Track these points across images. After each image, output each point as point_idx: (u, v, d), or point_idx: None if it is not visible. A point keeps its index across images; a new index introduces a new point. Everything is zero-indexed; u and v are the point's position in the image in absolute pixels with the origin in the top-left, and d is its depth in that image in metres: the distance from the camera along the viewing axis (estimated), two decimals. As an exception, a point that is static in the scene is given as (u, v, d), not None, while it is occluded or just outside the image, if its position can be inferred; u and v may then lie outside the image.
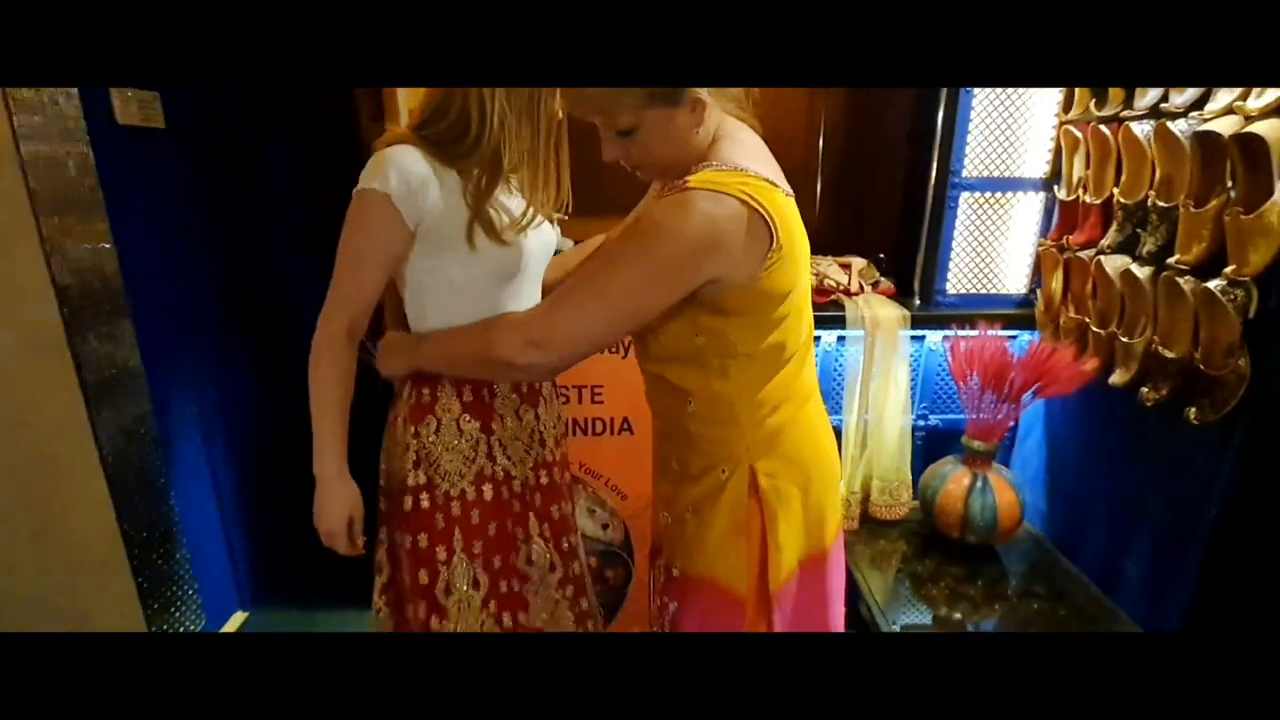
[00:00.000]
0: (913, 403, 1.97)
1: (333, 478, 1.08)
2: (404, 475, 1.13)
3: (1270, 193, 1.19)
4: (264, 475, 2.17)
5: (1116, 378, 1.52)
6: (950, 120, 1.76)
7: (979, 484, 1.68)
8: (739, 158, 0.91)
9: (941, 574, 1.72)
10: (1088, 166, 1.62)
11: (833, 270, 1.97)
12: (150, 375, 1.73)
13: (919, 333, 1.90)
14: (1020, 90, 1.71)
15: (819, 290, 1.94)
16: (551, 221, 1.21)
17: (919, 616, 1.60)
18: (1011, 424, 1.93)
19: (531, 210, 1.10)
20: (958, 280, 1.89)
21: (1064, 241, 1.68)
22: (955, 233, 1.84)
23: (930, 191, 1.85)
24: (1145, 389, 1.44)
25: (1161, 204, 1.40)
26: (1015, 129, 1.77)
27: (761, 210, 0.86)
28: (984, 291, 1.90)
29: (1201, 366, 1.32)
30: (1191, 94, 1.34)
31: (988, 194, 1.82)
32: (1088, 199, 1.61)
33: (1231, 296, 1.26)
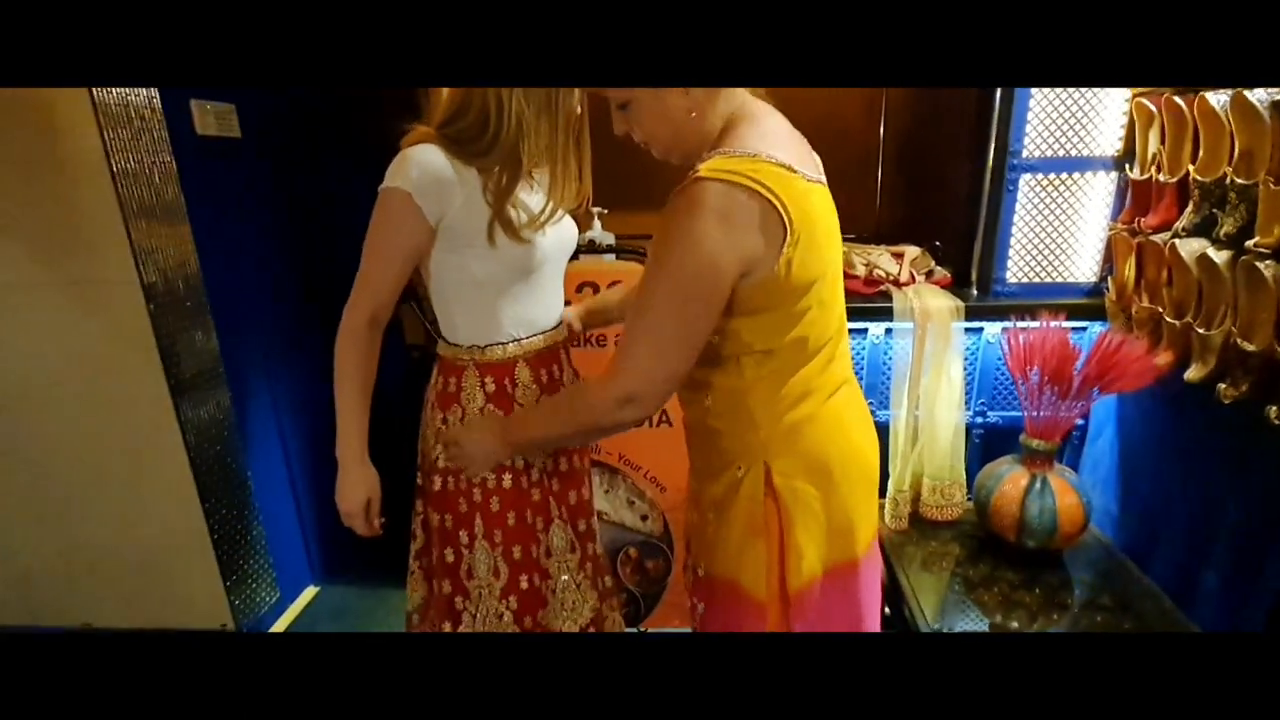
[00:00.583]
0: (969, 398, 1.88)
1: (354, 462, 1.15)
2: (433, 457, 1.19)
3: (1365, 165, 1.06)
4: (334, 460, 2.30)
5: (1192, 373, 1.39)
6: (1008, 98, 1.66)
7: (1037, 485, 1.58)
8: (754, 142, 0.87)
9: (995, 579, 1.62)
10: (1162, 142, 1.48)
11: (884, 260, 1.89)
12: (229, 367, 1.89)
13: (976, 324, 1.80)
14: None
15: (868, 281, 1.87)
16: (575, 217, 1.23)
17: (968, 624, 1.53)
18: (1078, 422, 1.81)
19: (551, 207, 1.13)
20: (1019, 268, 1.78)
21: (1136, 224, 1.55)
22: (1015, 217, 1.73)
23: (987, 174, 1.75)
24: (1223, 385, 1.32)
25: (1240, 181, 1.27)
26: (1083, 105, 1.64)
27: (772, 197, 0.83)
28: (1049, 280, 1.78)
29: (1286, 360, 1.19)
30: (1275, 58, 1.21)
31: (1052, 175, 1.70)
32: (1162, 178, 1.48)
33: (1319, 282, 1.13)
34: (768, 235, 0.84)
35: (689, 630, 1.80)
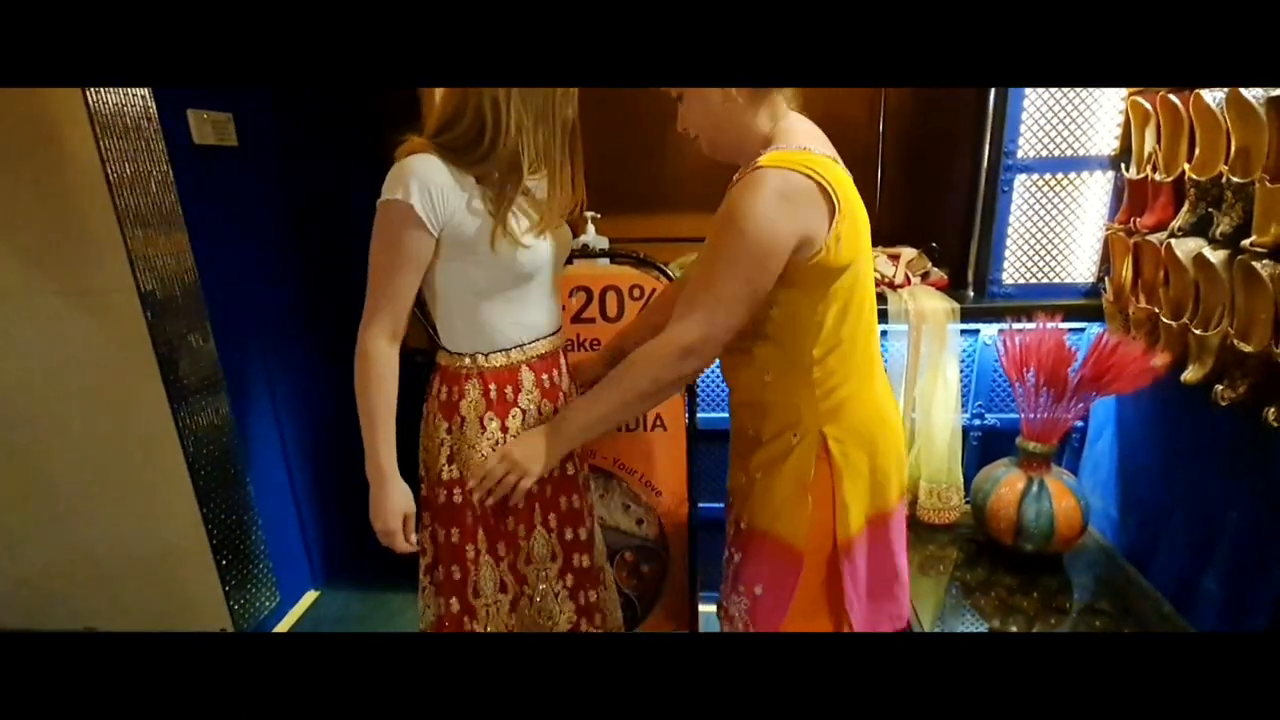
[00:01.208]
0: (966, 400, 1.86)
1: (387, 479, 1.12)
2: (439, 469, 1.18)
3: (1361, 163, 1.05)
4: (335, 465, 2.32)
5: (1189, 374, 1.37)
6: (1002, 98, 1.65)
7: (1034, 488, 1.56)
8: (802, 140, 1.02)
9: (993, 583, 1.61)
10: (1158, 141, 1.47)
11: (880, 262, 1.88)
12: (229, 373, 1.90)
13: (972, 326, 1.79)
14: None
15: (864, 283, 1.86)
16: (570, 221, 1.23)
17: (966, 628, 1.52)
18: (1074, 424, 1.80)
19: (549, 213, 1.13)
20: (1015, 269, 1.76)
21: (1132, 224, 1.53)
22: (1011, 218, 1.72)
23: (983, 175, 1.74)
24: (1220, 387, 1.30)
25: (1237, 179, 1.25)
26: (1078, 104, 1.63)
27: (823, 181, 0.95)
28: (1045, 281, 1.76)
29: (1283, 361, 1.17)
30: (1269, 55, 1.19)
31: (1047, 175, 1.68)
32: (1158, 177, 1.46)
33: (1315, 282, 1.12)
34: (820, 213, 0.97)
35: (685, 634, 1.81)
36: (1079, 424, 1.86)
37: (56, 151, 1.59)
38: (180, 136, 1.76)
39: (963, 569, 1.69)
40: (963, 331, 1.78)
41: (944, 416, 1.75)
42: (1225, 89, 1.25)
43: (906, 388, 1.76)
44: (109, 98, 1.59)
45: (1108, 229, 1.66)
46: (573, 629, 1.27)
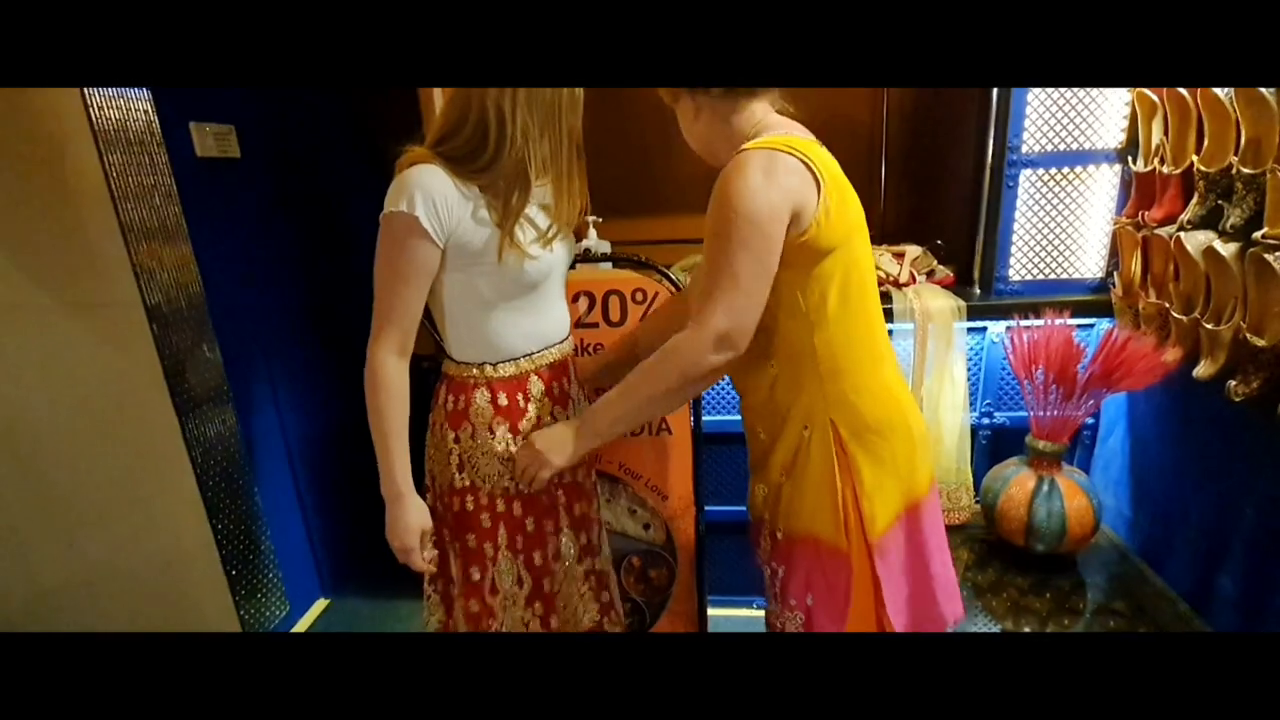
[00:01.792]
0: (975, 399, 1.84)
1: (403, 495, 1.10)
2: (449, 479, 1.17)
3: (1375, 152, 1.02)
4: (342, 473, 2.33)
5: (1202, 369, 1.35)
6: (1006, 93, 1.62)
7: (1045, 487, 1.54)
8: (784, 130, 1.03)
9: (1004, 584, 1.59)
10: (1166, 133, 1.44)
11: (884, 260, 1.86)
12: (235, 383, 1.90)
13: (979, 324, 1.76)
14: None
15: (868, 282, 1.84)
16: (575, 228, 1.23)
17: (976, 629, 1.49)
18: (1085, 422, 1.77)
19: (556, 222, 1.12)
20: (1022, 266, 1.74)
21: (1141, 218, 1.51)
22: (1017, 214, 1.69)
23: (987, 171, 1.71)
24: (1233, 382, 1.27)
25: (1247, 171, 1.23)
26: (1083, 98, 1.60)
27: (803, 157, 0.96)
28: (1052, 277, 1.74)
29: (1298, 356, 1.15)
30: (1277, 43, 1.17)
31: (1053, 170, 1.66)
32: (1166, 169, 1.43)
33: (1330, 274, 1.09)
34: (806, 187, 0.97)
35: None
36: (1090, 421, 1.83)
37: (61, 166, 1.59)
38: (183, 149, 1.77)
39: (974, 570, 1.67)
40: (969, 329, 1.76)
41: (952, 416, 1.73)
42: (1233, 79, 1.23)
43: (914, 387, 1.74)
44: (112, 112, 1.60)
45: (1115, 223, 1.63)
46: (595, 628, 1.28)
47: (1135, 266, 1.55)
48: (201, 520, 1.82)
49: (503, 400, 1.14)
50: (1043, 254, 1.73)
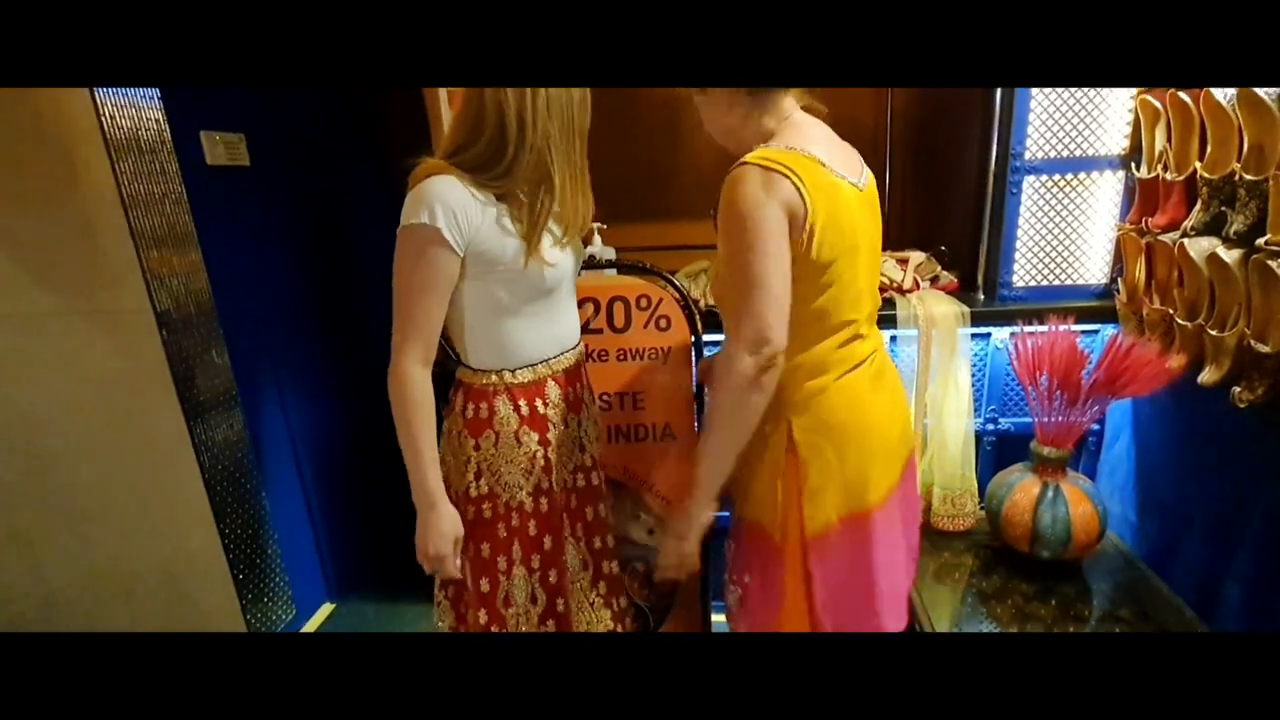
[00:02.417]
0: (979, 405, 1.84)
1: (437, 504, 1.11)
2: (465, 486, 1.18)
3: (1378, 157, 1.02)
4: (349, 479, 2.34)
5: (1206, 376, 1.34)
6: (1009, 99, 1.63)
7: (1050, 493, 1.53)
8: (794, 140, 1.05)
9: (1009, 591, 1.58)
10: (1169, 140, 1.45)
11: (888, 266, 1.87)
12: (243, 389, 1.92)
13: (983, 330, 1.76)
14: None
15: (872, 288, 1.85)
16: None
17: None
18: (1090, 428, 1.77)
19: (571, 225, 1.13)
20: (1026, 272, 1.74)
21: (1144, 224, 1.50)
22: (1020, 220, 1.70)
23: (990, 177, 1.72)
24: (1238, 389, 1.27)
25: (1250, 177, 1.23)
26: (1086, 104, 1.61)
27: (795, 180, 0.99)
28: (1057, 283, 1.74)
29: (1302, 362, 1.14)
30: (1279, 50, 1.17)
31: (1056, 176, 1.66)
32: (1169, 176, 1.43)
33: (1334, 280, 1.09)
34: (793, 209, 1.00)
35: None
36: (1095, 427, 1.83)
37: (72, 174, 1.62)
38: (193, 157, 1.80)
39: (978, 576, 1.66)
40: (973, 335, 1.76)
41: (956, 422, 1.72)
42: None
43: (918, 393, 1.74)
44: (124, 121, 1.63)
45: (1119, 229, 1.63)
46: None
47: (1139, 273, 1.55)
48: (209, 524, 1.84)
49: (524, 407, 1.15)
50: (1047, 260, 1.73)
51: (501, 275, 1.08)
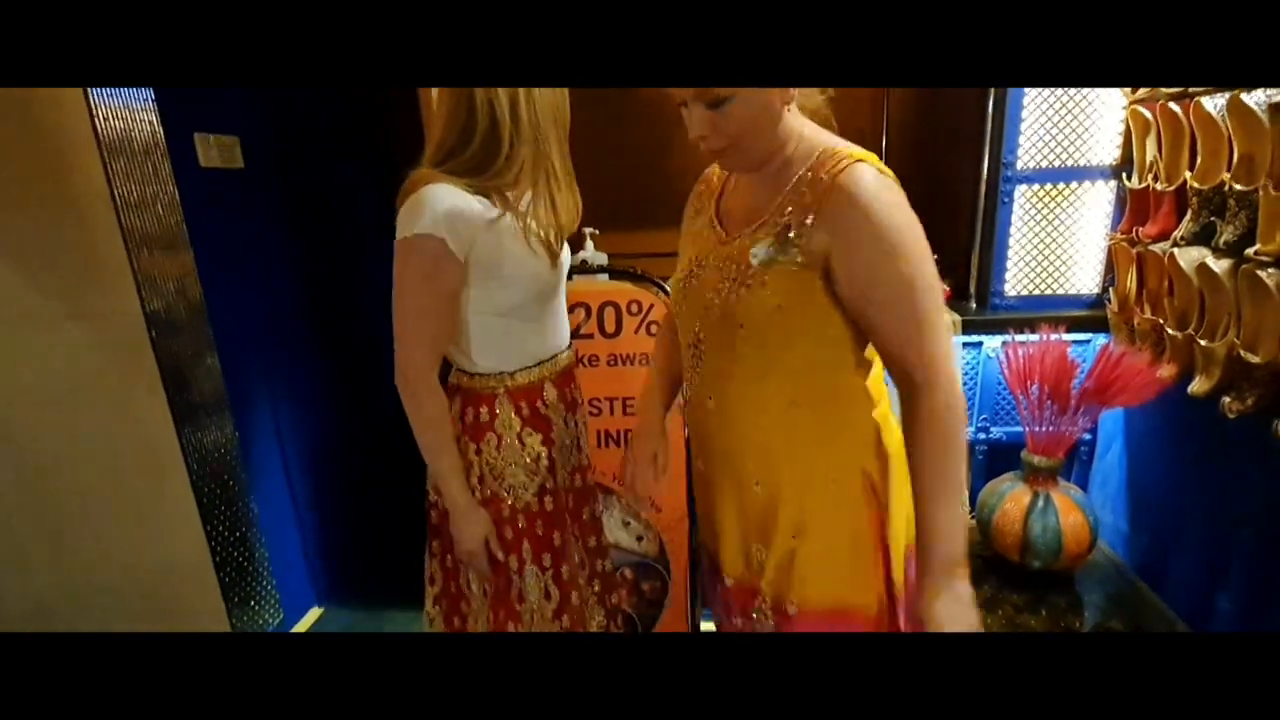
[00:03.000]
0: (971, 414, 1.83)
1: (465, 506, 1.11)
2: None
3: (1365, 168, 1.02)
4: (338, 482, 2.33)
5: (1196, 386, 1.34)
6: (1000, 109, 1.63)
7: (1040, 503, 1.53)
8: (838, 141, 0.89)
9: (999, 602, 1.57)
10: (1160, 150, 1.45)
11: (881, 274, 1.86)
12: (233, 392, 1.91)
13: (975, 338, 1.76)
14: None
15: (865, 296, 1.85)
16: (572, 239, 1.24)
17: (971, 646, 1.48)
18: (1082, 438, 1.76)
19: (565, 223, 1.12)
20: (1018, 281, 1.74)
21: (1135, 234, 1.51)
22: (1012, 229, 1.70)
23: (983, 186, 1.72)
24: (1227, 399, 1.27)
25: (1240, 187, 1.23)
26: (1077, 114, 1.61)
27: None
28: (1048, 292, 1.74)
29: (1291, 373, 1.14)
30: (1268, 61, 1.18)
31: (1048, 186, 1.66)
32: (1159, 186, 1.44)
33: (1322, 291, 1.09)
34: None
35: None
36: (1087, 437, 1.82)
37: (65, 175, 1.62)
38: (187, 159, 1.79)
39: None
40: (966, 344, 1.76)
41: (948, 430, 1.72)
42: (1227, 95, 1.23)
43: (909, 401, 1.73)
44: (116, 122, 1.62)
45: (1110, 239, 1.63)
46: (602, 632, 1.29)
47: (1130, 282, 1.55)
48: (196, 528, 1.82)
49: (524, 409, 1.14)
50: (1039, 269, 1.73)
51: (500, 280, 1.07)
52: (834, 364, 0.90)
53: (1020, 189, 1.67)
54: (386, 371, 1.10)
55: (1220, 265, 1.26)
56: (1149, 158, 1.48)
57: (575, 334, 1.64)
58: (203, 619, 1.90)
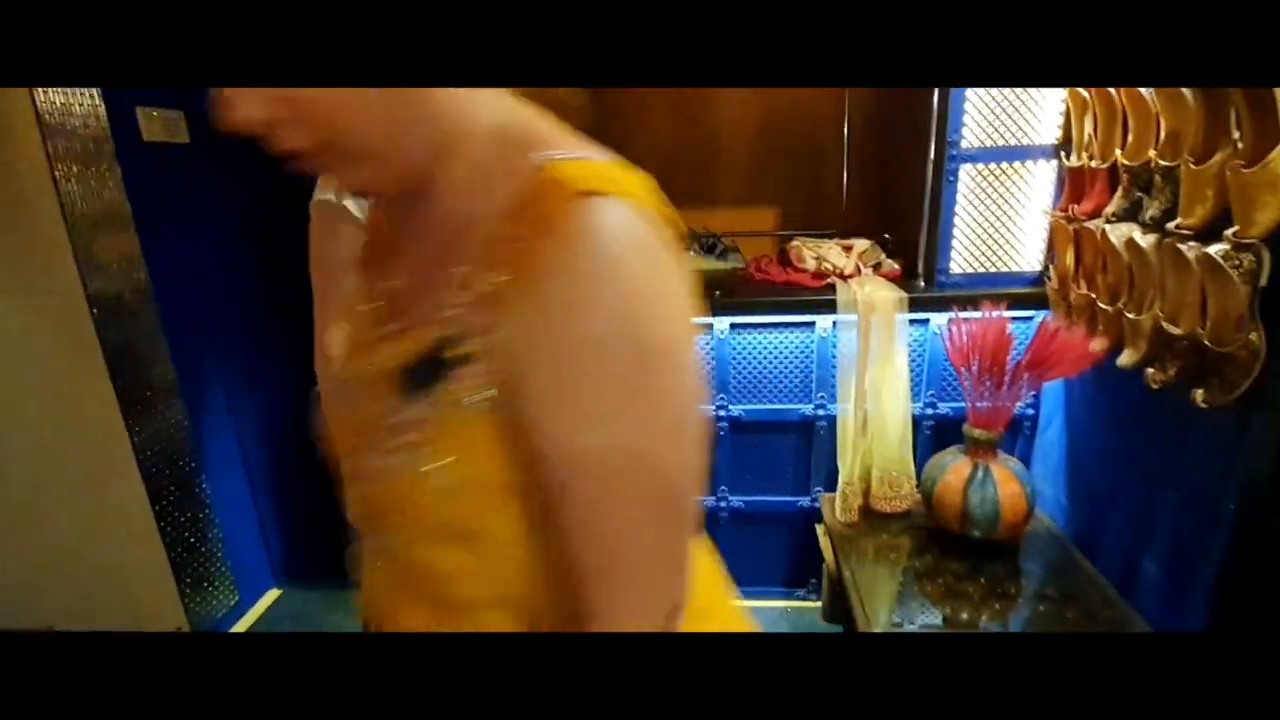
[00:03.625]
0: (918, 389, 1.87)
1: None
2: None
3: (1278, 141, 1.06)
4: (294, 462, 2.31)
5: (1124, 358, 1.38)
6: (945, 89, 1.66)
7: (979, 475, 1.57)
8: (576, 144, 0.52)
9: (941, 570, 1.61)
10: (1095, 129, 1.48)
11: (833, 253, 1.89)
12: (183, 372, 1.89)
13: (922, 315, 1.79)
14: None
15: (816, 274, 1.87)
16: None
17: (913, 614, 1.52)
18: (1024, 411, 1.81)
19: None
20: (963, 259, 1.77)
21: (1071, 212, 1.54)
22: (957, 208, 1.73)
23: (929, 165, 1.74)
24: (1151, 369, 1.31)
25: (1165, 163, 1.26)
26: (1021, 94, 1.64)
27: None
28: (992, 270, 1.77)
29: (1209, 343, 1.18)
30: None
31: (992, 165, 1.69)
32: (1094, 164, 1.47)
33: (1237, 262, 1.12)
34: None
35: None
36: (1031, 412, 1.87)
37: (2, 150, 1.58)
38: (129, 134, 1.76)
39: (913, 556, 1.69)
40: (913, 321, 1.79)
41: (894, 405, 1.75)
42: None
43: (858, 378, 1.76)
44: (56, 96, 1.59)
45: (1050, 217, 1.67)
46: None
47: (1069, 259, 1.59)
48: (146, 509, 1.81)
49: None
50: (983, 247, 1.77)
51: None
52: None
53: (965, 168, 1.69)
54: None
55: (1146, 240, 1.30)
56: (1085, 136, 1.52)
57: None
58: (155, 602, 1.89)
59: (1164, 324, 1.27)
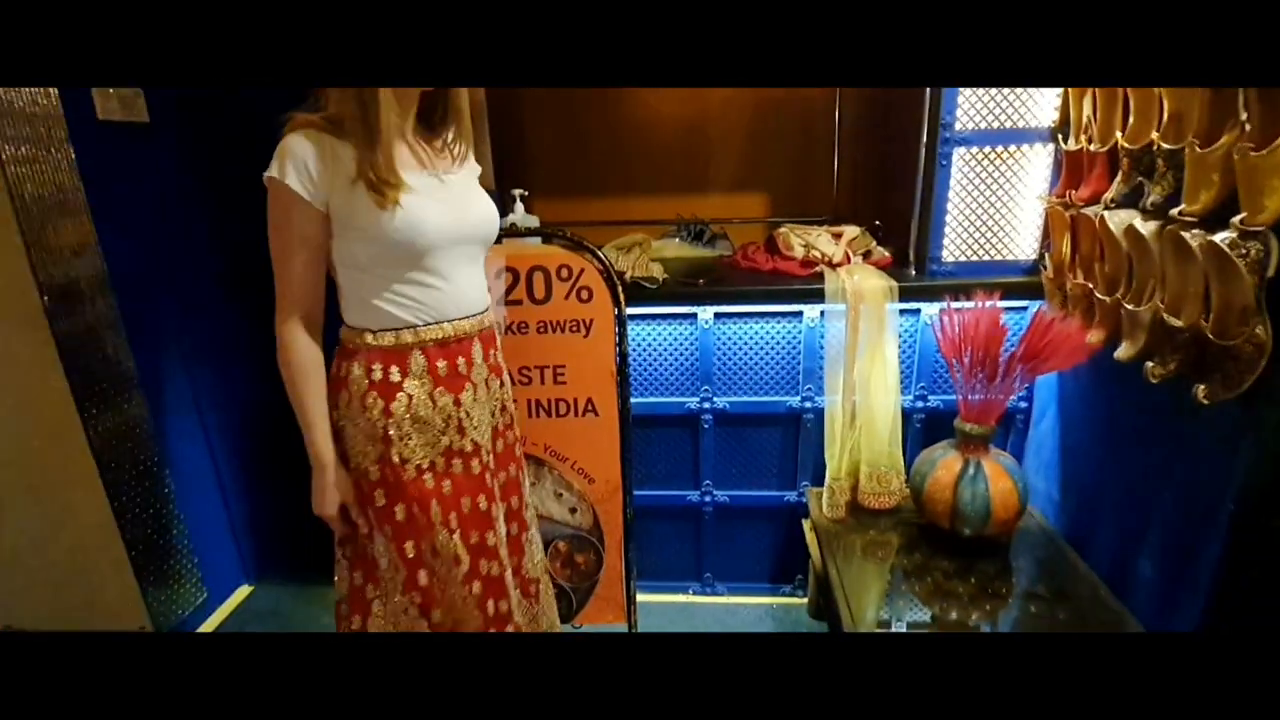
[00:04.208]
0: (909, 382, 1.81)
1: (327, 466, 1.11)
2: (374, 453, 1.13)
3: (1288, 124, 1.00)
4: (263, 456, 2.23)
5: (1122, 351, 1.33)
6: (939, 68, 1.59)
7: (971, 470, 1.52)
8: None
9: (930, 569, 1.57)
10: (1094, 110, 1.42)
11: (822, 241, 1.83)
12: (144, 363, 1.81)
13: (913, 305, 1.74)
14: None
15: (804, 262, 1.81)
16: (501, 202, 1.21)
17: (901, 613, 1.48)
18: (1017, 405, 1.76)
19: (449, 180, 1.13)
20: (956, 246, 1.71)
21: (1068, 197, 1.48)
22: (950, 193, 1.66)
23: (921, 148, 1.68)
24: (1150, 363, 1.25)
25: (1168, 146, 1.20)
26: (1017, 73, 1.57)
27: None
28: (986, 258, 1.71)
29: (1212, 336, 1.12)
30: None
31: (986, 148, 1.63)
32: (1093, 147, 1.41)
33: (1243, 251, 1.07)
34: None
35: (623, 625, 1.76)
36: (1024, 405, 1.82)
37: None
38: (83, 113, 1.66)
39: (902, 553, 1.65)
40: (903, 311, 1.73)
41: (883, 398, 1.70)
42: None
43: (846, 369, 1.70)
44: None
45: (1046, 203, 1.61)
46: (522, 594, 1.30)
47: (1065, 247, 1.53)
48: (105, 506, 1.73)
49: (376, 373, 1.10)
50: (977, 234, 1.71)
51: (359, 233, 1.05)
52: None
53: (958, 151, 1.63)
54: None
55: (1147, 228, 1.24)
56: (1084, 119, 1.45)
57: (502, 300, 1.59)
58: (115, 600, 1.82)
59: (1164, 316, 1.21)
